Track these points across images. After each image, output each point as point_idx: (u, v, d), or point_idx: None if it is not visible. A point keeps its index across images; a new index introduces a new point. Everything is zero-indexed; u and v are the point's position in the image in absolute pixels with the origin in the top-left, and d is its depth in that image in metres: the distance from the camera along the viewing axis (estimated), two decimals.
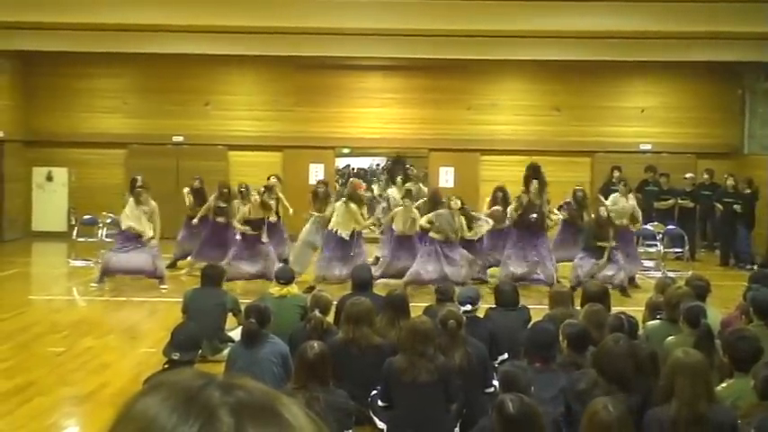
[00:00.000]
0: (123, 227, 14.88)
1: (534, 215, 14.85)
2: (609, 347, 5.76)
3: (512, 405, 4.60)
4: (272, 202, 15.56)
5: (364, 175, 30.18)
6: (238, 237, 14.82)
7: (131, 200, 15.13)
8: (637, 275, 15.86)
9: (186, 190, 17.11)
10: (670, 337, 7.05)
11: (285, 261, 15.43)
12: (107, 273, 14.83)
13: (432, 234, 14.56)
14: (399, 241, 15.20)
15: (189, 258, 16.22)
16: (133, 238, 14.77)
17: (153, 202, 15.12)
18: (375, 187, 27.15)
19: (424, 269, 14.44)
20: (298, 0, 15.07)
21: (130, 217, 14.87)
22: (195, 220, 16.15)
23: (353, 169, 30.61)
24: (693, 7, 15.11)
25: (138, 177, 17.37)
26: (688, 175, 20.05)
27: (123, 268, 14.88)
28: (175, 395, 1.21)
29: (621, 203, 15.92)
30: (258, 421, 1.19)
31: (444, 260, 14.42)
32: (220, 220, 15.73)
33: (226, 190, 15.96)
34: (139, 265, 14.79)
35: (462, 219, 14.84)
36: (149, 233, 14.79)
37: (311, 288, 13.93)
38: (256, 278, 14.45)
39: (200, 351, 7.02)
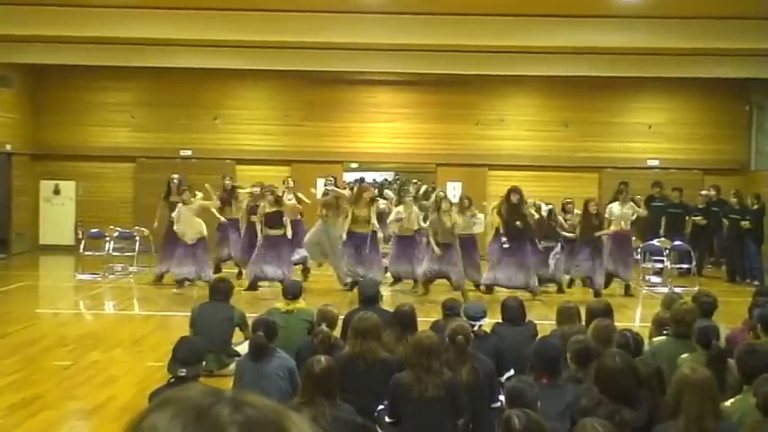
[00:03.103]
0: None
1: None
2: (606, 364, 5.75)
3: (518, 421, 4.59)
4: (292, 201, 16.35)
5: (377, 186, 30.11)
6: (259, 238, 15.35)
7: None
8: (641, 288, 16.01)
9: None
10: (684, 356, 7.01)
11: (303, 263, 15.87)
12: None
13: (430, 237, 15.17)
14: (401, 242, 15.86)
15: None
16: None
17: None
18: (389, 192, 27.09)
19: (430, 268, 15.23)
20: (307, 15, 15.11)
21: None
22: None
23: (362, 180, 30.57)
24: (702, 24, 15.13)
25: (176, 177, 17.30)
26: (703, 192, 20.01)
27: None
28: (185, 413, 1.21)
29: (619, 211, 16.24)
30: None
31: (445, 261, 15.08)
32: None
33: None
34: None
35: (456, 217, 15.22)
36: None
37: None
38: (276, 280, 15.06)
39: (203, 363, 7.02)
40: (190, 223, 15.48)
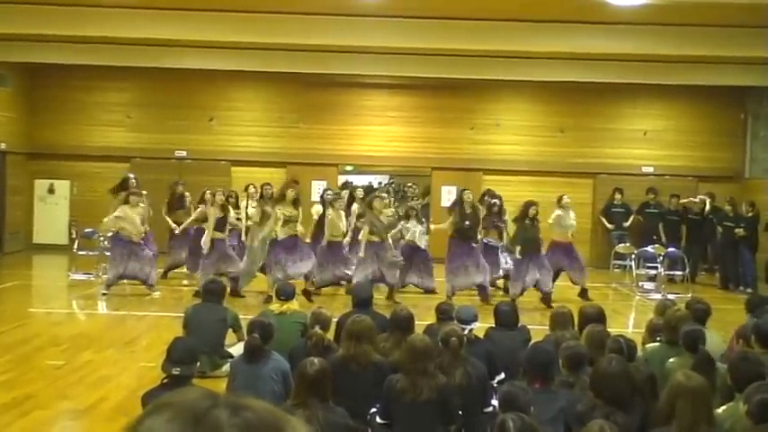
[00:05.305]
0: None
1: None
2: (603, 369, 5.77)
3: (513, 424, 4.59)
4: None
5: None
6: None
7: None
8: (634, 294, 15.95)
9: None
10: (671, 360, 7.03)
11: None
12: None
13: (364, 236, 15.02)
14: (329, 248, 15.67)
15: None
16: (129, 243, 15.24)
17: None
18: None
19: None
20: (303, 18, 15.10)
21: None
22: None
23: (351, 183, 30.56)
24: (697, 31, 15.14)
25: (131, 176, 17.22)
26: (699, 197, 20.07)
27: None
28: (182, 417, 1.21)
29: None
30: None
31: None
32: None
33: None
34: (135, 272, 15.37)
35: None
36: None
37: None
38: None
39: (198, 364, 7.01)
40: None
